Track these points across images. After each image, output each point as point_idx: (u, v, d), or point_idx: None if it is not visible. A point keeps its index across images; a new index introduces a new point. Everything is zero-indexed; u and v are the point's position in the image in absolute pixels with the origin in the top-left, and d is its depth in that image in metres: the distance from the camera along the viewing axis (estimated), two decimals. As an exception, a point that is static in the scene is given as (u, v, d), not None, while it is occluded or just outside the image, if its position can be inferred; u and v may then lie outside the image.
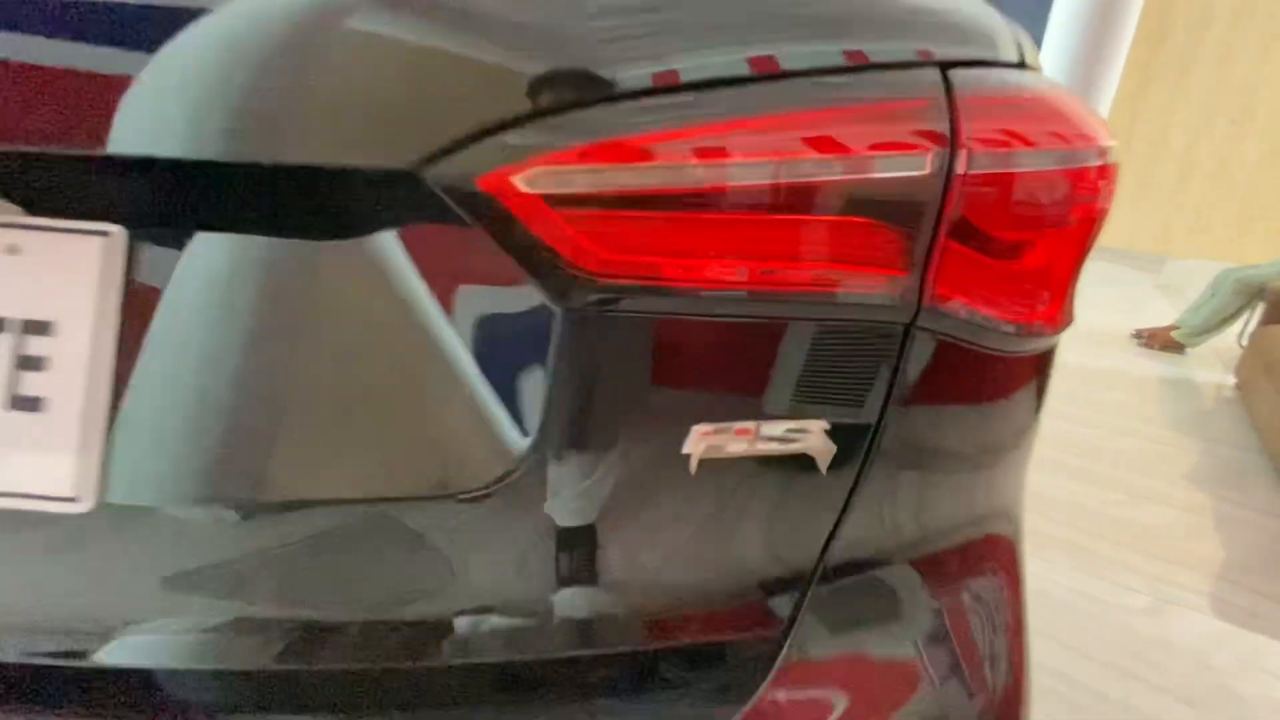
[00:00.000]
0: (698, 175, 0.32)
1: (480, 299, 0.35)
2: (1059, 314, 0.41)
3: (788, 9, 0.35)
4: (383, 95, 0.31)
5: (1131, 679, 1.31)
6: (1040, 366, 0.45)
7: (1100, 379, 3.12)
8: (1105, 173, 0.39)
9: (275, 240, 0.33)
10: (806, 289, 0.35)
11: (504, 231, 0.32)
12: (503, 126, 0.31)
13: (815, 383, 0.37)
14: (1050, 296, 0.40)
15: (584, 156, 0.31)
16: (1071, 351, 3.41)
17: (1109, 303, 4.81)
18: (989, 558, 0.48)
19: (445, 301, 0.34)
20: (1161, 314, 4.38)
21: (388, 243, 0.33)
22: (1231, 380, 3.09)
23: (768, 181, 0.33)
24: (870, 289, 0.35)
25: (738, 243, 0.33)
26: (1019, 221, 0.37)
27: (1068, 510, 1.96)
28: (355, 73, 0.31)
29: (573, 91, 0.32)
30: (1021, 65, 0.39)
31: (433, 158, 0.31)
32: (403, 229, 0.33)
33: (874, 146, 0.33)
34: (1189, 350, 3.54)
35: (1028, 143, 0.36)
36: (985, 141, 0.35)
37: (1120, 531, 1.86)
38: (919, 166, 0.34)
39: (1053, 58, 3.07)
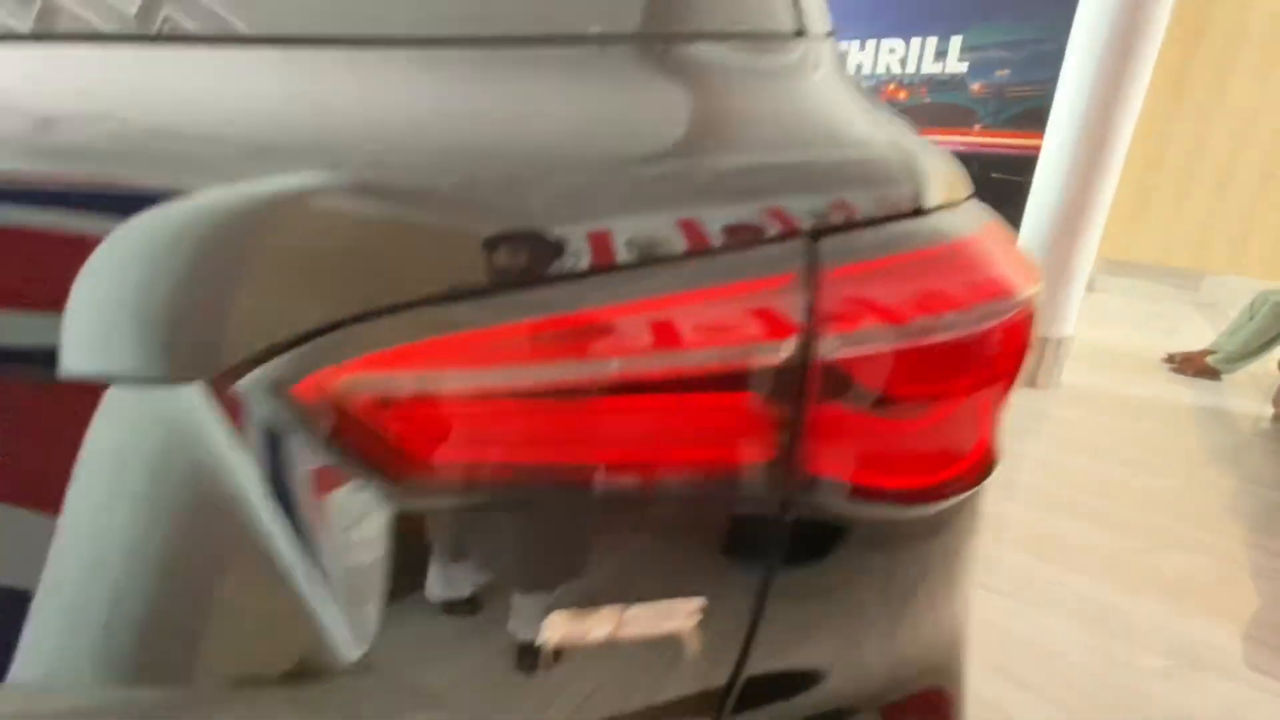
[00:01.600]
0: (533, 373, 0.31)
1: (311, 500, 0.34)
2: (971, 470, 0.39)
3: (635, 182, 0.33)
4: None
5: (1142, 755, 1.25)
6: (960, 518, 0.43)
7: (1128, 409, 3.01)
8: (1017, 323, 0.37)
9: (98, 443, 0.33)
10: (656, 476, 0.33)
11: (328, 435, 0.31)
12: (319, 331, 0.30)
13: (684, 567, 0.36)
14: (952, 455, 0.38)
15: (403, 358, 0.30)
16: (1100, 377, 3.31)
17: (1144, 320, 4.64)
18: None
19: (279, 502, 0.33)
20: (1199, 333, 4.21)
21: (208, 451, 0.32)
22: (1270, 411, 2.95)
23: (605, 374, 0.32)
24: (730, 474, 0.34)
25: (581, 432, 0.32)
26: (902, 390, 0.35)
27: (1084, 558, 1.88)
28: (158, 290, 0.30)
29: (391, 292, 0.31)
30: (916, 211, 0.36)
31: (239, 370, 0.30)
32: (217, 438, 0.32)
33: (722, 336, 0.32)
34: (1225, 377, 3.40)
35: (905, 315, 0.34)
36: (850, 319, 0.33)
37: (1142, 582, 1.79)
38: (773, 353, 0.32)
39: (1076, 68, 3.00)
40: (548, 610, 0.35)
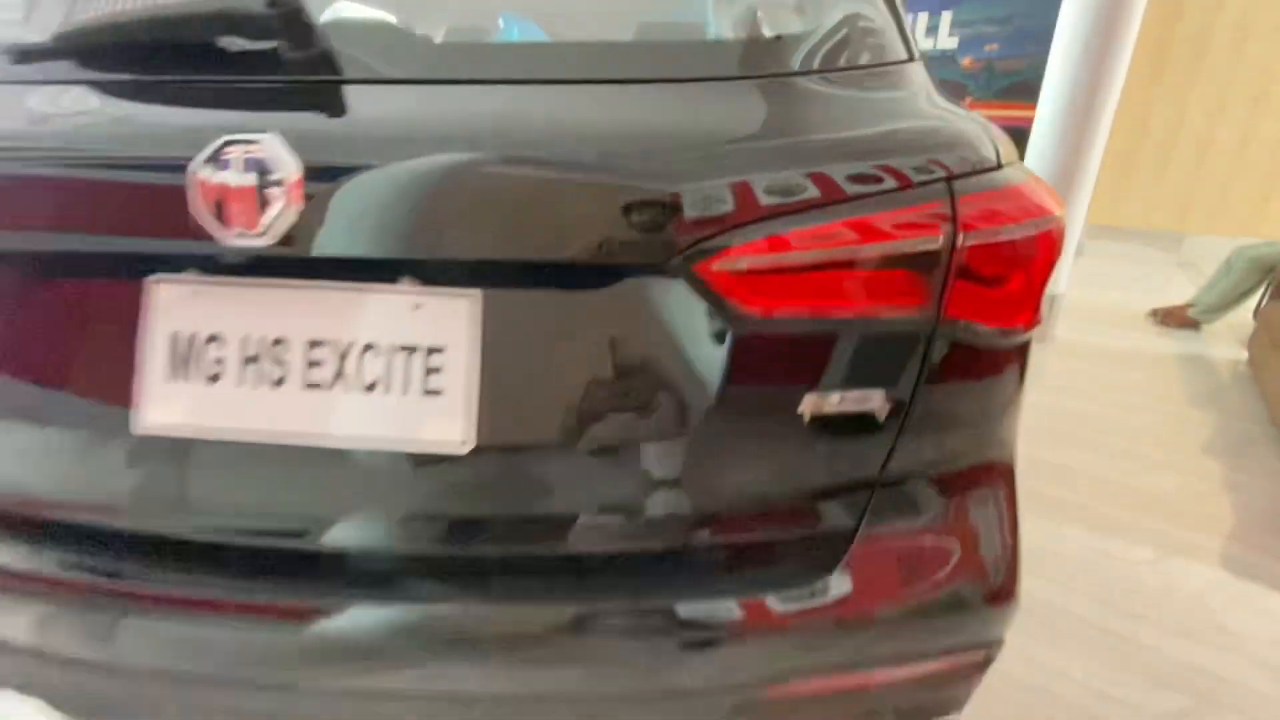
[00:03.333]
0: (814, 256, 0.55)
1: (687, 331, 0.58)
2: (1029, 320, 0.64)
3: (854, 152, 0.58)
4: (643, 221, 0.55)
5: (1135, 618, 1.52)
6: (1020, 352, 0.68)
7: (1118, 359, 3.28)
8: (1055, 232, 0.62)
9: (567, 300, 0.57)
10: (873, 314, 0.58)
11: (706, 293, 0.56)
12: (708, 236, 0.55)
13: (878, 370, 0.60)
14: (1021, 310, 0.63)
15: (747, 249, 0.55)
16: (1090, 332, 3.58)
17: (1129, 282, 4.91)
18: (993, 474, 0.71)
19: (667, 333, 0.58)
20: (1182, 291, 4.49)
21: (638, 302, 0.58)
22: (1245, 355, 3.23)
23: (854, 255, 0.56)
24: (908, 313, 0.58)
25: (838, 289, 0.56)
26: (999, 267, 0.60)
27: (1083, 479, 2.15)
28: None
29: (739, 213, 0.55)
30: (998, 166, 0.61)
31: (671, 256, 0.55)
32: (649, 296, 0.57)
33: (910, 230, 0.57)
34: (1204, 327, 3.68)
35: (1001, 221, 0.59)
36: (973, 223, 0.58)
37: (1132, 497, 2.05)
38: (935, 242, 0.57)
39: (1063, 45, 3.16)
40: (808, 393, 0.60)
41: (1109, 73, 3.09)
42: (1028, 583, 0.70)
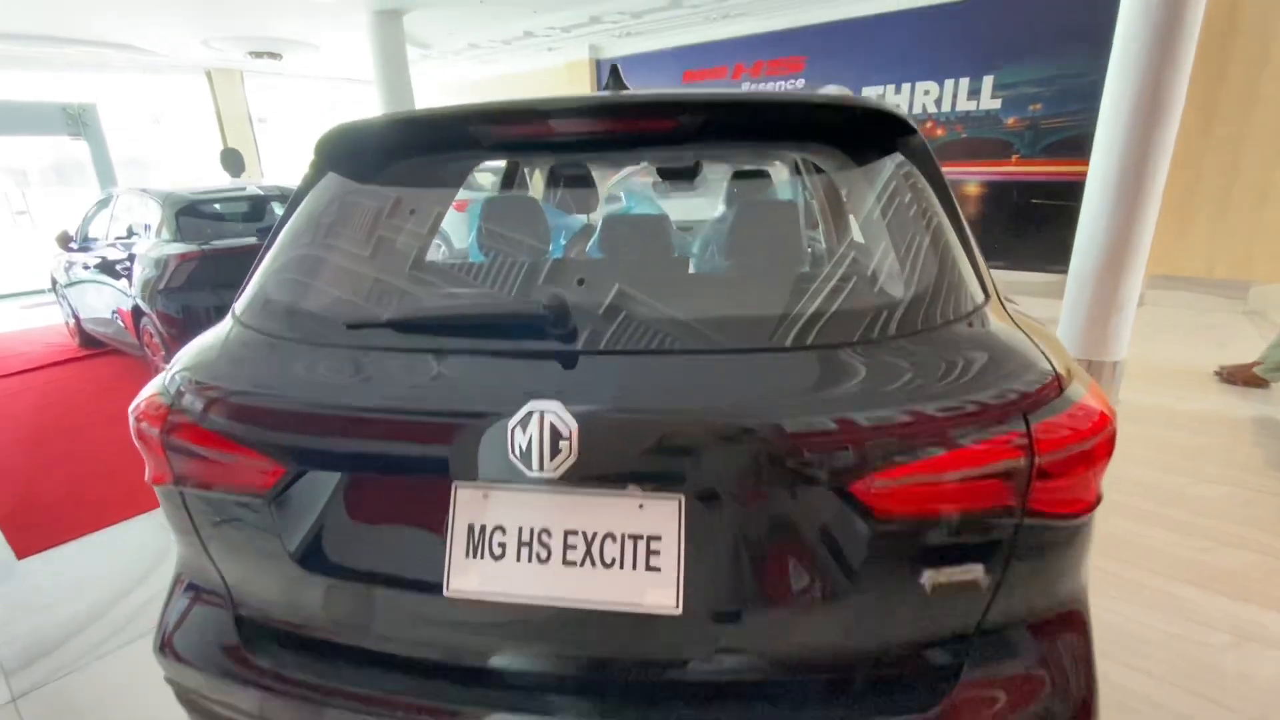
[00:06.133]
0: (930, 478, 0.77)
1: (839, 528, 0.80)
2: (1093, 503, 0.84)
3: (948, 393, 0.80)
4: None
5: (1210, 702, 1.61)
6: (1084, 527, 0.87)
7: (1186, 423, 3.29)
8: (1109, 436, 0.82)
9: (749, 504, 0.81)
10: (974, 512, 0.79)
11: (855, 503, 0.78)
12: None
13: (979, 549, 0.81)
14: (1086, 494, 0.83)
15: (883, 474, 0.78)
16: (1155, 393, 3.61)
17: (1195, 332, 4.84)
18: (1071, 619, 0.90)
19: (822, 529, 0.80)
20: (1250, 341, 4.43)
21: (803, 507, 0.80)
22: (1319, 418, 3.20)
23: (961, 475, 0.78)
24: (1000, 510, 0.79)
25: (948, 497, 0.78)
26: (1068, 470, 0.80)
27: (1154, 557, 2.22)
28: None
29: (874, 448, 0.78)
30: (1060, 390, 0.82)
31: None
32: (810, 503, 0.80)
33: (997, 457, 0.78)
34: (1274, 385, 3.65)
35: (1068, 442, 0.79)
36: (1046, 445, 0.78)
37: (1206, 576, 2.11)
38: (1018, 464, 0.78)
39: (1112, 106, 3.21)
40: (927, 569, 0.80)
41: (1160, 130, 3.14)
42: (1101, 665, 0.87)
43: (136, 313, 4.11)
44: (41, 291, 7.50)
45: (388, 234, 1.11)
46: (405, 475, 0.89)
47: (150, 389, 1.03)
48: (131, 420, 1.01)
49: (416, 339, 0.93)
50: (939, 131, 6.59)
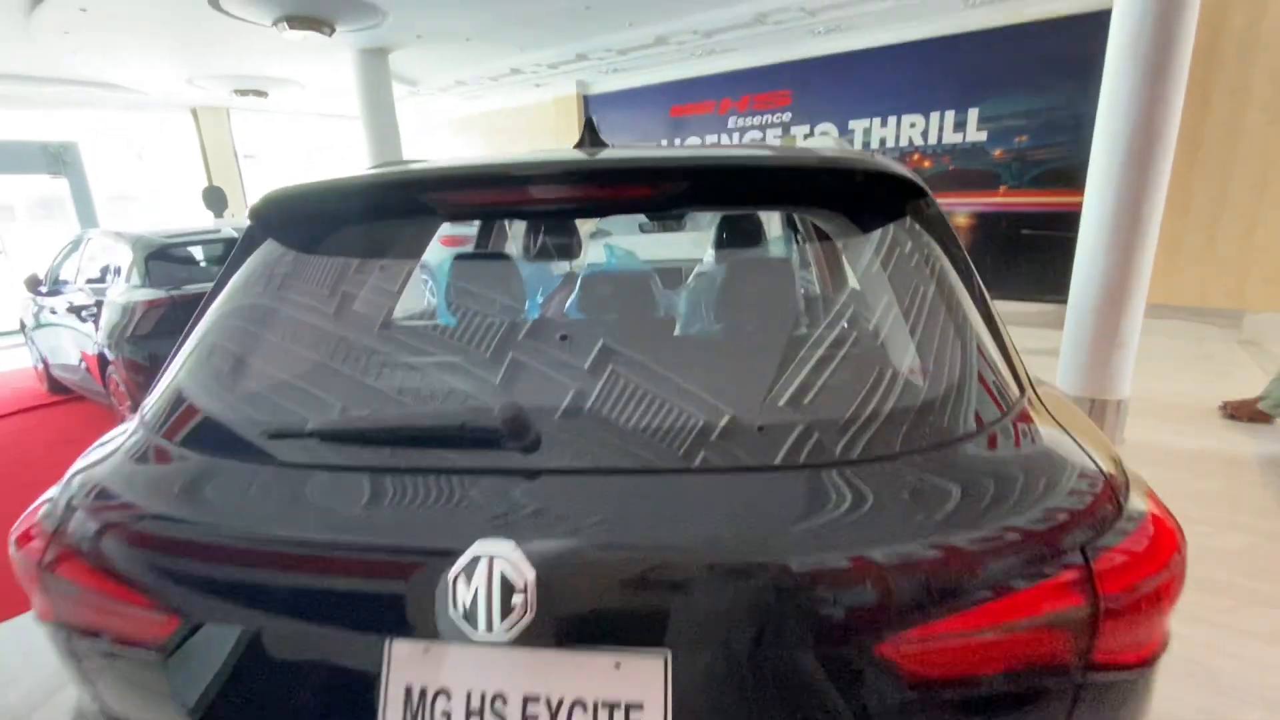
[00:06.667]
0: (970, 636, 0.63)
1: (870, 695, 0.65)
2: (1161, 645, 0.70)
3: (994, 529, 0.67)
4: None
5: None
6: (1151, 673, 0.73)
7: (1193, 463, 3.18)
8: (1181, 567, 0.68)
9: (728, 650, 0.66)
10: (1025, 669, 0.65)
11: (883, 665, 0.64)
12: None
13: (1045, 699, 0.67)
14: (1154, 638, 0.69)
15: (914, 633, 0.64)
16: (1160, 431, 3.50)
17: (1193, 363, 4.76)
18: None
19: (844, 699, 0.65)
20: (1248, 372, 4.36)
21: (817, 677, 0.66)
22: (1330, 456, 3.10)
23: (1008, 629, 0.64)
24: (1062, 661, 0.65)
25: (994, 654, 0.64)
26: (1136, 609, 0.67)
27: (1176, 620, 2.07)
28: None
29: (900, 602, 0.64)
30: (1119, 506, 0.69)
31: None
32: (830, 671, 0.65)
33: (1057, 605, 0.64)
34: (1278, 420, 3.56)
35: (1135, 579, 0.66)
36: (1110, 586, 0.65)
37: (1236, 643, 1.97)
38: (1079, 608, 0.65)
39: (1106, 142, 3.16)
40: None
41: (1155, 164, 3.08)
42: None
43: (102, 360, 3.94)
44: (14, 333, 7.30)
45: (329, 315, 0.98)
46: (327, 626, 0.73)
47: (40, 503, 0.88)
48: (11, 544, 0.85)
49: (347, 452, 0.79)
50: (926, 163, 6.60)
